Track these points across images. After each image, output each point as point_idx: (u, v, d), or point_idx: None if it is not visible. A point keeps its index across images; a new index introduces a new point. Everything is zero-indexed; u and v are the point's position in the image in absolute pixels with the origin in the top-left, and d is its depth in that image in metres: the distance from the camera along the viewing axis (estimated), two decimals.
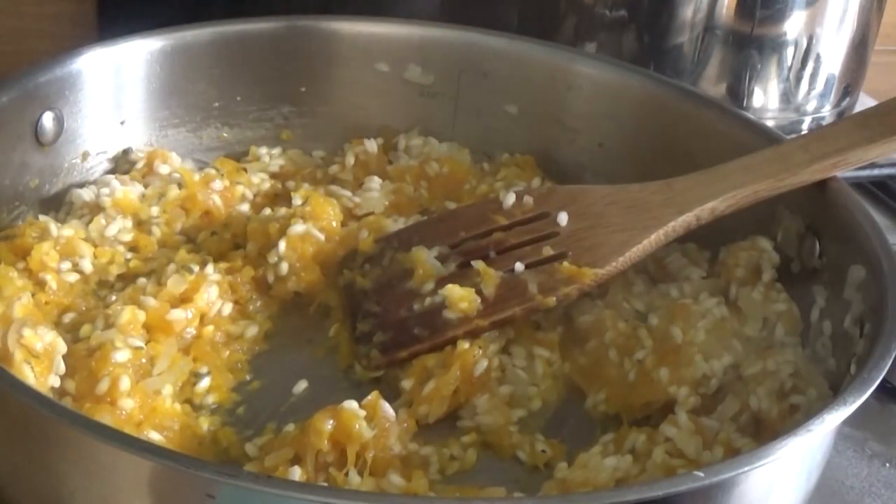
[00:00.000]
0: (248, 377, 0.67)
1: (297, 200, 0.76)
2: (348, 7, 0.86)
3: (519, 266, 0.69)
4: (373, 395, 0.61)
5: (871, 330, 0.62)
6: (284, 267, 0.71)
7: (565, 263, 0.69)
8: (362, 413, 0.59)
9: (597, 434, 0.65)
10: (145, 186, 0.76)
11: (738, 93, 0.97)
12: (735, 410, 0.64)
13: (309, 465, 0.57)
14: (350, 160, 0.82)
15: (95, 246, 0.71)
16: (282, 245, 0.72)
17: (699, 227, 0.70)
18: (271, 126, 0.84)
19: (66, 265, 0.69)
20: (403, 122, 0.85)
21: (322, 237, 0.73)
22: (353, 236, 0.74)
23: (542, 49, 0.84)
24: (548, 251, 0.70)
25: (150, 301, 0.66)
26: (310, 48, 0.83)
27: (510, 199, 0.72)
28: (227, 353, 0.68)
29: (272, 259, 0.72)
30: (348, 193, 0.78)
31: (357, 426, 0.58)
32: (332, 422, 0.58)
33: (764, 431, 0.62)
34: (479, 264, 0.69)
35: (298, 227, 0.72)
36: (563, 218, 0.71)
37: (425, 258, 0.70)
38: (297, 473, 0.56)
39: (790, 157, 0.70)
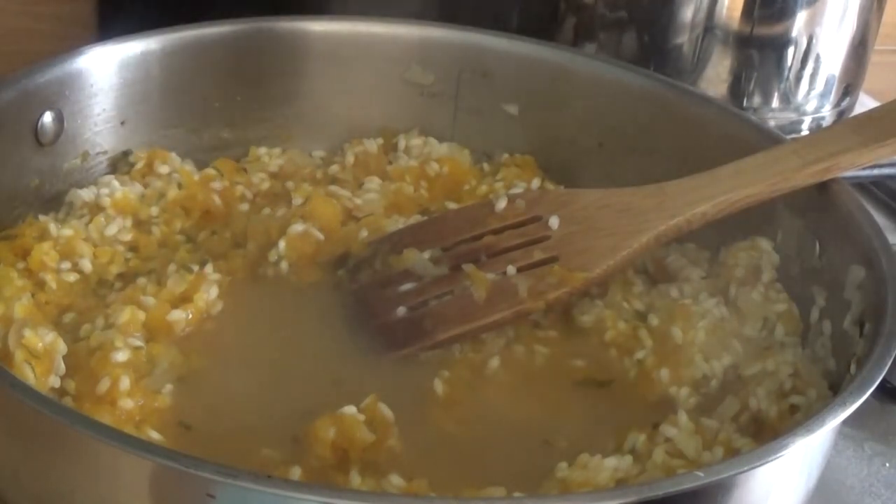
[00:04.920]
0: None
1: (297, 200, 0.76)
2: (348, 7, 0.86)
3: (510, 269, 0.69)
4: (370, 399, 0.61)
5: (871, 330, 0.62)
6: (285, 266, 0.72)
7: (555, 267, 0.69)
8: (362, 417, 0.59)
9: None
10: (145, 186, 0.76)
11: (738, 93, 0.97)
12: (735, 410, 0.64)
13: (309, 465, 0.58)
14: (350, 160, 0.82)
15: (95, 246, 0.71)
16: (282, 244, 0.72)
17: (697, 228, 0.70)
18: (271, 126, 0.84)
19: (66, 265, 0.69)
20: (403, 122, 0.85)
21: (322, 237, 0.73)
22: (353, 236, 0.75)
23: (542, 49, 0.84)
24: (538, 255, 0.70)
25: (150, 301, 0.66)
26: (310, 48, 0.83)
27: (502, 202, 0.73)
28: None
29: (272, 258, 0.72)
30: (348, 194, 0.78)
31: (358, 432, 0.59)
32: (333, 430, 0.58)
33: (764, 431, 0.62)
34: (469, 268, 0.70)
35: (298, 227, 0.73)
36: (554, 222, 0.71)
37: (417, 260, 0.70)
38: (297, 473, 0.56)
39: (783, 161, 0.70)
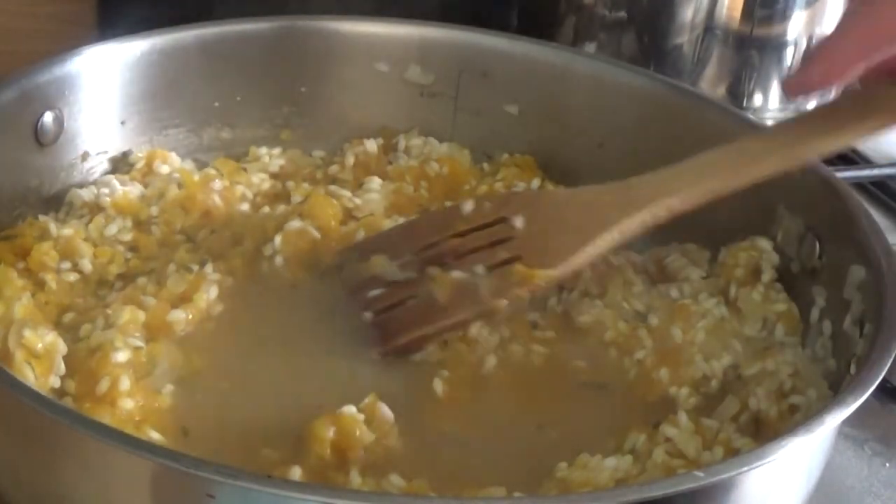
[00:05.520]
0: None
1: (296, 200, 0.76)
2: (348, 7, 0.86)
3: (475, 270, 0.69)
4: (370, 398, 0.61)
5: (871, 330, 0.62)
6: (279, 260, 0.72)
7: (518, 266, 0.69)
8: (362, 417, 0.59)
9: None
10: (145, 186, 0.76)
11: (738, 93, 0.97)
12: (735, 410, 0.64)
13: (309, 465, 0.58)
14: (350, 160, 0.82)
15: (95, 246, 0.71)
16: (277, 239, 0.72)
17: (665, 221, 0.70)
18: (271, 126, 0.84)
19: (66, 265, 0.69)
20: (403, 122, 0.85)
21: (318, 234, 0.73)
22: (351, 236, 0.75)
23: (542, 49, 0.84)
24: (502, 254, 0.70)
25: (150, 301, 0.66)
26: (310, 48, 0.83)
27: (469, 205, 0.72)
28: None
29: (268, 252, 0.72)
30: (348, 194, 0.78)
31: (358, 432, 0.59)
32: (333, 429, 0.58)
33: (764, 431, 0.62)
34: (434, 271, 0.70)
35: (295, 223, 0.73)
36: (518, 221, 0.71)
37: (384, 266, 0.71)
38: (297, 473, 0.56)
39: (749, 150, 0.70)
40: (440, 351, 0.68)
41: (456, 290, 0.69)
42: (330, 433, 0.58)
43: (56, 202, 0.74)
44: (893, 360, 0.58)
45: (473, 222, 0.72)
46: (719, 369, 0.67)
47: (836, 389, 0.62)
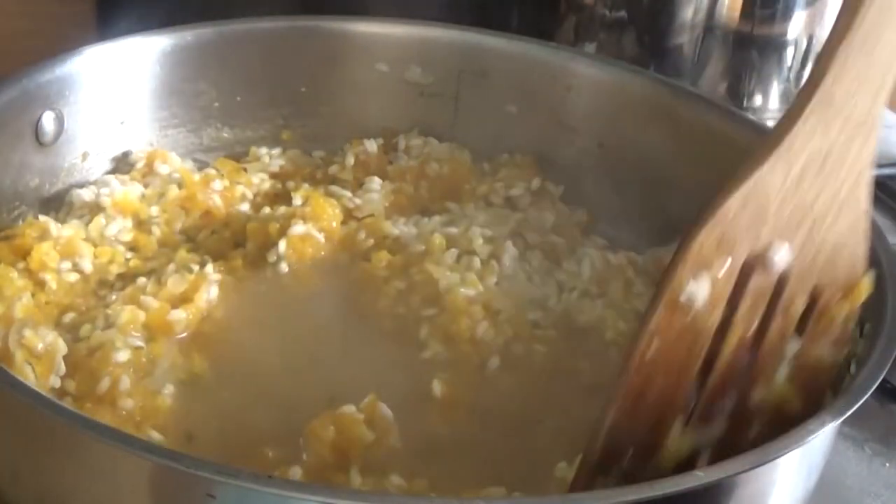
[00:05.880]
0: None
1: (297, 200, 0.76)
2: (348, 7, 0.86)
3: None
4: (370, 398, 0.61)
5: (870, 330, 0.62)
6: (284, 266, 0.72)
7: (827, 303, 0.57)
8: (361, 417, 0.59)
9: None
10: (145, 186, 0.76)
11: (738, 93, 0.97)
12: None
13: (309, 465, 0.58)
14: (350, 160, 0.82)
15: (95, 246, 0.71)
16: (282, 245, 0.72)
17: None
18: (271, 126, 0.84)
19: (66, 265, 0.69)
20: (403, 122, 0.85)
21: (322, 238, 0.73)
22: (353, 237, 0.75)
23: (542, 49, 0.84)
24: (798, 307, 0.56)
25: (150, 301, 0.66)
26: (310, 48, 0.83)
27: (698, 290, 0.55)
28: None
29: (271, 259, 0.72)
30: (348, 194, 0.78)
31: (358, 432, 0.59)
32: (333, 429, 0.58)
33: None
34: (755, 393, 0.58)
35: (299, 228, 0.73)
36: (783, 255, 0.55)
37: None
38: (297, 473, 0.56)
39: None
40: (442, 350, 0.68)
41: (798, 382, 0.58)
42: (330, 433, 0.58)
43: (56, 202, 0.74)
44: (893, 361, 0.58)
45: (714, 310, 0.55)
46: None
47: (837, 389, 0.62)
